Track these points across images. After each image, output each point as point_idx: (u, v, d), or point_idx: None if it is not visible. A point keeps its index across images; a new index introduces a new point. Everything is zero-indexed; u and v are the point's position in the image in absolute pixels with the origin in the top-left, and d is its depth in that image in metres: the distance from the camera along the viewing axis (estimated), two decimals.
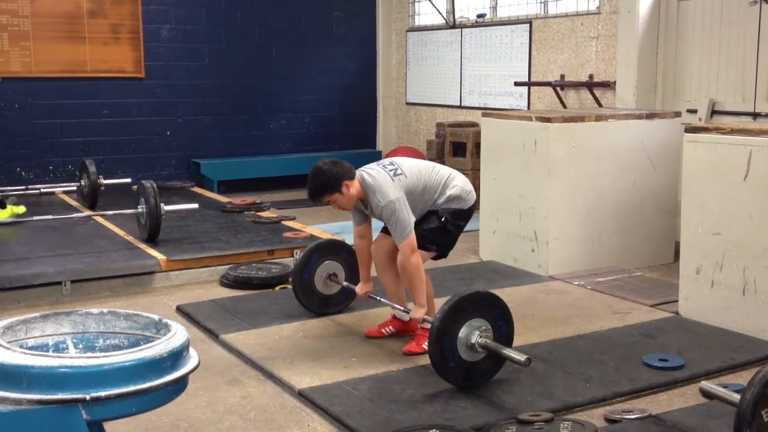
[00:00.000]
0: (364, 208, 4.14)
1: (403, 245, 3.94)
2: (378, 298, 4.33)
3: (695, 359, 4.00)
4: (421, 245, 4.05)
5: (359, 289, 4.39)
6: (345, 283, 4.65)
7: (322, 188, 3.97)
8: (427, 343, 4.05)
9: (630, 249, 5.90)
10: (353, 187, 3.99)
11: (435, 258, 4.25)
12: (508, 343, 3.74)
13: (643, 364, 3.92)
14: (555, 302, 5.05)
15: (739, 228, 4.43)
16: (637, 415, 3.37)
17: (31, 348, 2.44)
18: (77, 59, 8.63)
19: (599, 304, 5.00)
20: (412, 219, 3.97)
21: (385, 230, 4.28)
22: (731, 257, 4.48)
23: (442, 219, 4.10)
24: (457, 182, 4.19)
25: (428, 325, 4.11)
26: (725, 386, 3.43)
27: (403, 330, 4.38)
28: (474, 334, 3.60)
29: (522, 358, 3.51)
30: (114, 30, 8.76)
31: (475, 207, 4.26)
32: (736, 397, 2.82)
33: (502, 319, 3.72)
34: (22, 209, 6.93)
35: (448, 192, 4.13)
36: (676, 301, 4.85)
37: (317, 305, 4.70)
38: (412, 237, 3.95)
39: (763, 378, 2.71)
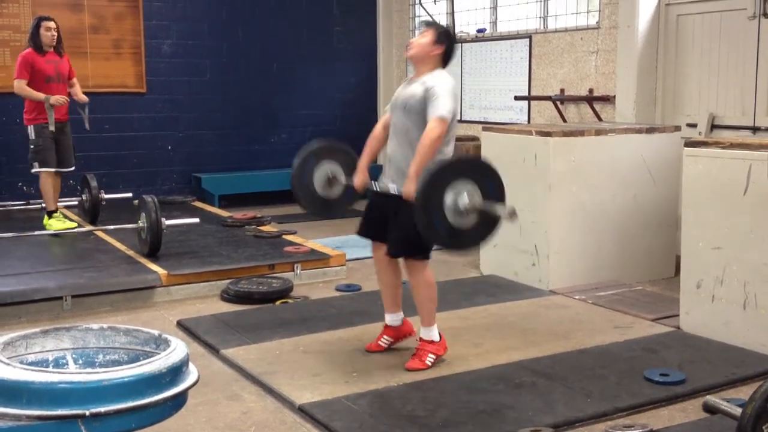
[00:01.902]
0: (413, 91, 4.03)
1: (435, 119, 3.89)
2: (375, 186, 4.19)
3: (696, 374, 3.99)
4: (409, 253, 4.05)
5: (356, 180, 4.30)
6: (346, 182, 4.45)
7: (440, 28, 4.14)
8: (429, 359, 4.07)
9: (630, 263, 5.90)
10: (436, 53, 4.06)
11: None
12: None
13: (644, 378, 3.92)
14: (556, 316, 5.05)
15: (739, 242, 4.43)
16: (638, 431, 3.35)
17: (31, 363, 2.44)
18: (79, 74, 8.54)
19: (600, 318, 5.00)
20: (453, 112, 3.98)
21: (371, 237, 4.29)
22: (732, 272, 4.47)
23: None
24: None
25: (429, 337, 4.12)
26: (727, 401, 3.42)
27: (399, 336, 4.38)
28: (461, 196, 3.64)
29: (504, 209, 3.60)
30: (116, 45, 8.81)
31: None
32: (739, 410, 2.82)
33: (491, 180, 3.76)
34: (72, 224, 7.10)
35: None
36: (677, 315, 4.85)
37: (320, 210, 4.63)
38: (445, 125, 3.92)
39: (764, 392, 2.70)
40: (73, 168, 7.21)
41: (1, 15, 8.23)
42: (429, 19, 4.24)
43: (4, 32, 8.24)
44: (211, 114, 9.41)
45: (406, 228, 3.93)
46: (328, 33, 9.98)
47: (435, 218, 3.63)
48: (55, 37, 6.85)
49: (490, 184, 3.74)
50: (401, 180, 3.98)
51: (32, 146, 6.87)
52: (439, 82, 3.98)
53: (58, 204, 8.12)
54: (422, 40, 4.10)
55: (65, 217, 7.22)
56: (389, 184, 4.10)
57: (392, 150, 4.16)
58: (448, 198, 3.64)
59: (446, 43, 4.11)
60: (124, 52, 8.85)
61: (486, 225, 3.76)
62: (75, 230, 6.92)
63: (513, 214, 3.59)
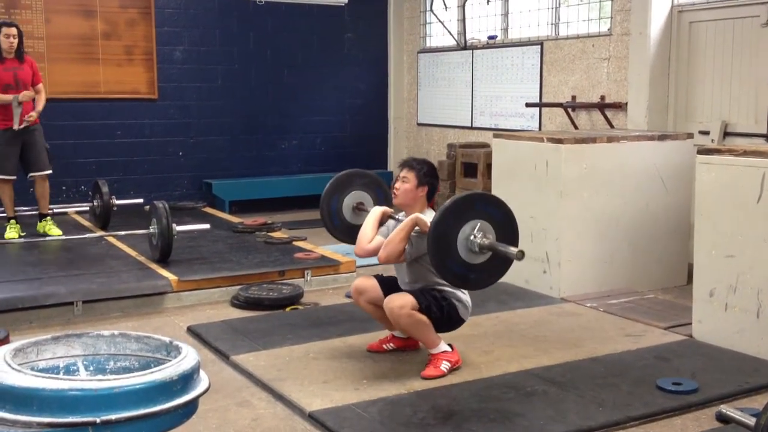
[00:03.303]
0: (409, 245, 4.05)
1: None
2: (398, 217, 4.24)
3: (709, 383, 3.96)
4: (417, 298, 4.02)
5: (378, 209, 4.32)
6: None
7: (420, 167, 4.17)
8: (444, 365, 4.06)
9: (643, 271, 5.86)
10: (421, 195, 4.16)
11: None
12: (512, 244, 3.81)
13: (656, 387, 3.89)
14: (567, 324, 5.02)
15: (752, 250, 4.40)
16: None
17: (41, 370, 2.44)
18: (91, 80, 8.71)
19: (612, 326, 4.97)
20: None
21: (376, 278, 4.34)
22: (745, 280, 4.44)
23: (443, 301, 4.06)
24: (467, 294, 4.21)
25: (441, 349, 4.11)
26: (741, 410, 3.39)
27: (404, 346, 4.41)
28: (475, 235, 3.72)
29: (515, 251, 3.64)
30: (128, 51, 8.84)
31: (463, 321, 4.22)
32: (753, 420, 2.78)
33: (505, 219, 3.83)
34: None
35: (459, 294, 4.14)
36: (690, 323, 4.81)
37: (344, 234, 4.70)
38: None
39: None
40: (48, 171, 7.02)
41: (14, 20, 8.25)
42: (407, 159, 4.25)
43: None
44: (222, 120, 9.43)
45: (424, 295, 4.05)
46: (339, 39, 10.00)
47: (448, 257, 3.68)
48: (14, 44, 6.66)
49: (505, 223, 3.81)
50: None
51: None
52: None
53: (68, 209, 8.18)
54: (406, 185, 4.14)
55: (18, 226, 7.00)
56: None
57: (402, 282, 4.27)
58: (463, 234, 3.71)
59: (429, 181, 4.17)
60: (136, 59, 8.89)
61: (497, 264, 3.81)
62: (21, 240, 6.76)
63: (521, 256, 3.66)
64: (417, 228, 3.96)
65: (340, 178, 4.71)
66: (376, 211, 4.29)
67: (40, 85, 6.92)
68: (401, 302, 3.98)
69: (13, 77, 6.67)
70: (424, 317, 4.01)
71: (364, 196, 4.70)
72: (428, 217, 3.96)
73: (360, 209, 4.65)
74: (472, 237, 3.74)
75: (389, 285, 4.24)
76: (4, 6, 8.25)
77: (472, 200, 3.86)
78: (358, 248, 4.21)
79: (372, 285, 4.26)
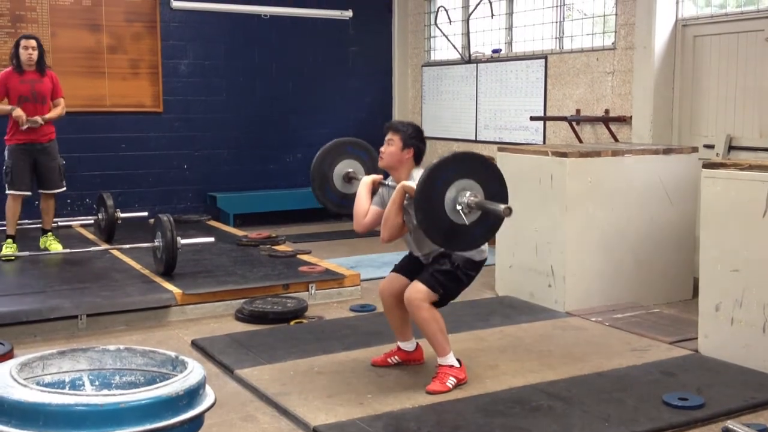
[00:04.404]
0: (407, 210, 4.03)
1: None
2: (388, 183, 4.22)
3: (715, 398, 3.94)
4: (430, 284, 4.02)
5: (368, 178, 4.31)
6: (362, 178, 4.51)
7: (405, 129, 4.13)
8: (450, 381, 4.05)
9: (648, 285, 5.85)
10: (407, 158, 4.12)
11: (435, 304, 4.10)
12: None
13: (662, 402, 3.87)
14: (572, 339, 5.01)
15: (758, 265, 4.39)
16: None
17: (47, 385, 2.44)
18: (97, 94, 8.74)
19: (617, 340, 4.95)
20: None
21: (396, 269, 4.31)
22: (751, 294, 4.43)
23: (455, 264, 4.05)
24: None
25: (448, 363, 4.09)
26: (747, 426, 3.38)
27: (409, 359, 4.40)
28: (462, 195, 3.68)
29: (503, 207, 3.61)
30: (133, 65, 8.88)
31: (485, 262, 4.19)
32: None
33: (494, 180, 3.79)
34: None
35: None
36: (696, 338, 4.79)
37: (335, 204, 4.65)
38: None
39: None
40: (59, 190, 7.00)
41: (19, 34, 8.28)
42: (395, 121, 4.25)
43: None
44: (226, 133, 9.45)
45: (440, 264, 4.06)
46: (343, 53, 10.03)
47: (434, 216, 3.66)
48: (33, 56, 6.65)
49: (492, 182, 3.78)
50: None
51: (4, 167, 6.77)
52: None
53: (73, 222, 8.18)
54: (390, 148, 4.13)
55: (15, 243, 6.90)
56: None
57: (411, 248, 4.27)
58: (449, 195, 3.67)
59: (415, 144, 4.14)
60: (141, 72, 8.92)
61: (486, 223, 3.77)
62: (18, 254, 6.65)
63: (509, 212, 3.64)
64: (408, 196, 3.92)
65: (329, 148, 4.66)
66: (365, 182, 4.27)
67: (61, 99, 6.91)
68: (422, 295, 3.98)
69: (30, 90, 6.67)
70: (439, 316, 4.02)
71: (354, 165, 4.64)
72: (417, 177, 3.90)
73: (351, 178, 4.60)
74: (459, 198, 3.68)
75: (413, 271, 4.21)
76: (11, 20, 8.29)
77: (456, 160, 3.80)
78: (356, 224, 4.19)
79: (399, 277, 4.24)
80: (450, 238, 3.76)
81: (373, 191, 4.25)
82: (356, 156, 4.69)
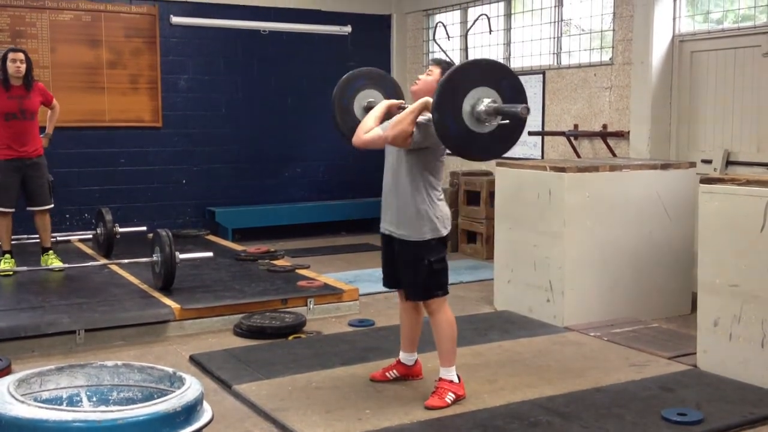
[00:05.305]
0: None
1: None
2: (405, 105, 4.19)
3: (714, 413, 3.94)
4: (432, 294, 4.08)
5: (387, 102, 4.29)
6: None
7: (447, 65, 4.09)
8: (449, 397, 4.04)
9: (646, 300, 5.85)
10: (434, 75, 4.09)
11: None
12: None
13: (661, 418, 3.86)
14: (571, 354, 5.00)
15: (756, 280, 4.39)
16: None
17: (45, 401, 2.44)
18: (96, 109, 8.76)
19: (616, 356, 4.95)
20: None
21: (391, 285, 4.38)
22: (749, 309, 4.43)
23: (426, 263, 4.07)
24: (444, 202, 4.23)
25: (449, 377, 4.09)
26: None
27: (408, 374, 4.40)
28: (480, 102, 3.68)
29: (519, 107, 3.62)
30: (133, 80, 8.90)
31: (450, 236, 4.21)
32: None
33: (511, 89, 3.79)
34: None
35: (438, 202, 4.15)
36: (694, 353, 4.79)
37: (353, 132, 4.54)
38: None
39: None
40: (48, 206, 6.86)
41: None
42: (440, 56, 4.28)
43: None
44: (225, 148, 9.47)
45: (415, 270, 4.09)
46: (342, 68, 9.96)
47: (451, 122, 3.67)
48: (21, 69, 6.47)
49: (509, 88, 3.79)
50: (399, 224, 4.14)
51: None
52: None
53: (72, 237, 8.17)
54: (429, 78, 4.14)
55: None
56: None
57: (387, 190, 4.28)
58: (467, 103, 3.69)
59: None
60: (140, 87, 8.95)
61: (503, 131, 3.79)
62: (16, 269, 6.62)
63: (526, 111, 3.67)
64: (428, 114, 3.89)
65: (350, 77, 4.61)
66: (383, 104, 4.25)
67: (54, 101, 6.88)
68: (435, 306, 4.09)
69: (18, 106, 6.53)
70: (455, 323, 4.13)
71: (374, 94, 4.58)
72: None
73: (371, 108, 4.49)
74: (477, 106, 3.70)
75: None
76: (11, 35, 8.32)
77: (476, 67, 3.84)
78: (356, 137, 4.17)
79: (401, 292, 4.32)
80: (468, 145, 3.78)
81: (390, 116, 4.21)
82: (377, 85, 4.63)
